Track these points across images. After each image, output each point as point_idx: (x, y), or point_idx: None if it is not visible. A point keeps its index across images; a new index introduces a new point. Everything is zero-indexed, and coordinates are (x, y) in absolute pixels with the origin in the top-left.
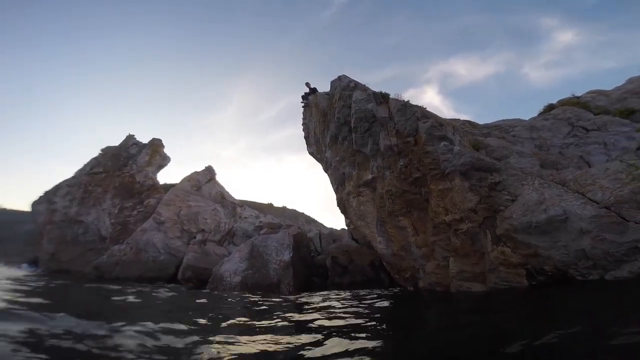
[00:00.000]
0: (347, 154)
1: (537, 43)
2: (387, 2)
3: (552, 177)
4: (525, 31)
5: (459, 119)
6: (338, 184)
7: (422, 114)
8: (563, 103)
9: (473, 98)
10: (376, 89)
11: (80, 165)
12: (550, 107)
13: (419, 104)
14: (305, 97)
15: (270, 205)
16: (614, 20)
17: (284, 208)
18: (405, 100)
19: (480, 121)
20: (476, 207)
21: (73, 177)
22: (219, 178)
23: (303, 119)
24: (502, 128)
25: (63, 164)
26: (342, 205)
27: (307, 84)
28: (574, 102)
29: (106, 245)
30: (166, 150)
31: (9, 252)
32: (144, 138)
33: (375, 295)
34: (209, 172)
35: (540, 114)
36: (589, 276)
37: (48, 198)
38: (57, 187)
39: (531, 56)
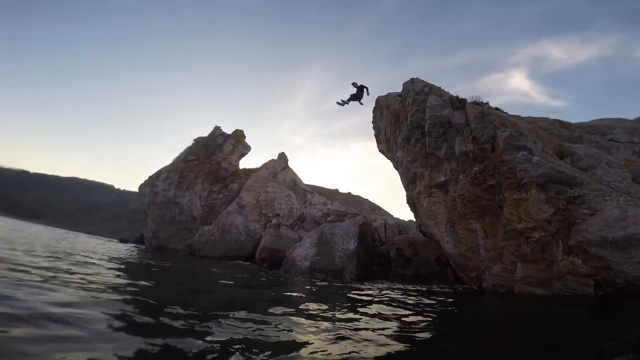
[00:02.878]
0: (419, 156)
1: None
2: None
3: None
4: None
5: (548, 118)
6: (409, 182)
7: (501, 122)
8: None
9: (571, 84)
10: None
11: (177, 154)
12: None
13: (505, 89)
14: (346, 101)
15: (336, 191)
16: None
17: (349, 194)
18: (485, 102)
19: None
20: (550, 218)
21: (171, 164)
22: (290, 164)
23: (373, 117)
24: (598, 129)
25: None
26: (412, 203)
27: (354, 84)
28: None
29: (196, 225)
30: (246, 139)
31: (120, 227)
32: (226, 127)
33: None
34: (283, 159)
35: None
36: None
37: (152, 182)
38: (159, 173)
39: None
